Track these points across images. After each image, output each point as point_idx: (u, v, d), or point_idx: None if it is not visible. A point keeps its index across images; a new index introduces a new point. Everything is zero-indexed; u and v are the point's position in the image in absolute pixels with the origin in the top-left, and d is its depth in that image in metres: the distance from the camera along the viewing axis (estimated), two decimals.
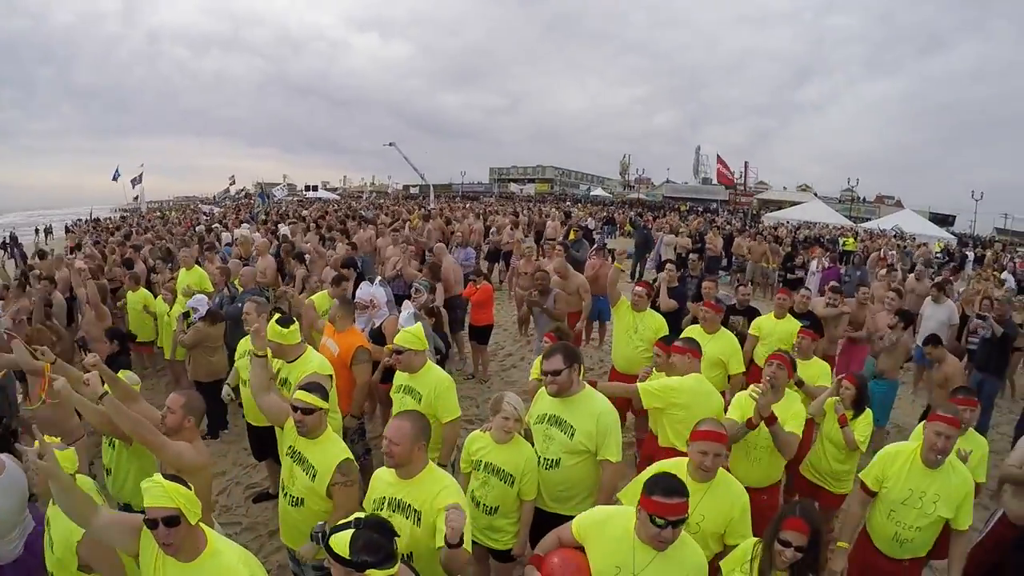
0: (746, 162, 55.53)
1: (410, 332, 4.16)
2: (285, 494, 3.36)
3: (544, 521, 3.40)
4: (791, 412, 3.92)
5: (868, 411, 4.34)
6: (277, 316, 4.25)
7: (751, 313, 6.71)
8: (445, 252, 9.26)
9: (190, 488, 2.36)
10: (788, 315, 6.11)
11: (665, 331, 5.52)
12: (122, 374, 4.05)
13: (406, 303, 6.02)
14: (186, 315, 6.43)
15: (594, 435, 3.44)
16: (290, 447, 3.35)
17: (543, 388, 3.67)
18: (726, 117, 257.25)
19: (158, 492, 2.28)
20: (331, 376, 4.27)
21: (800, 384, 4.61)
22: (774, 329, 6.00)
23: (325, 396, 3.30)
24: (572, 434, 3.46)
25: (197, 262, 8.70)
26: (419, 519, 2.85)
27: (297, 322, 4.35)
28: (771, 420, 3.67)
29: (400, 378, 4.25)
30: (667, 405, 4.09)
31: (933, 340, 6.08)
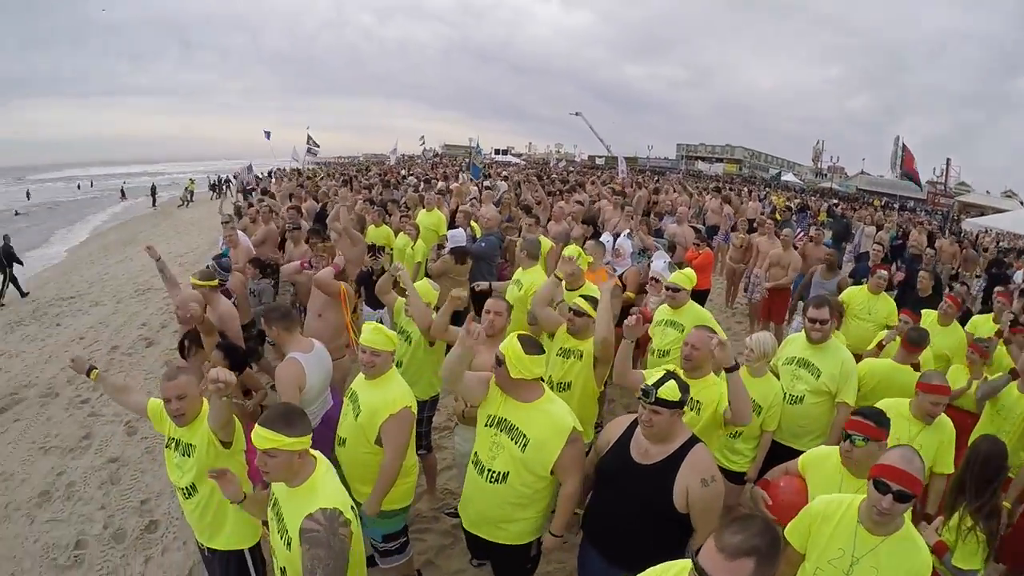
0: (948, 159, 49.51)
1: (683, 274, 4.78)
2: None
3: (777, 453, 3.93)
4: None
5: None
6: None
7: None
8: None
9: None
10: (955, 323, 5.59)
11: (895, 317, 5.58)
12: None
13: (659, 252, 6.38)
14: (440, 246, 6.97)
15: (837, 378, 4.00)
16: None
17: (800, 333, 4.35)
18: (927, 106, 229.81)
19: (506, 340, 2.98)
20: None
21: None
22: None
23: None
24: (818, 375, 4.04)
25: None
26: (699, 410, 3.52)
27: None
28: None
29: (663, 313, 4.81)
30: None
31: None
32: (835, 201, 35.67)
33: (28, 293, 14.03)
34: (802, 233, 11.72)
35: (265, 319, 4.03)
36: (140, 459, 5.78)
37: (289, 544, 2.31)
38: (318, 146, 28.92)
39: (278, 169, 30.06)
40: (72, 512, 5.07)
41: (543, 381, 3.12)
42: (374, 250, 6.17)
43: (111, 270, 16.41)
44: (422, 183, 15.95)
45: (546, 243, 6.61)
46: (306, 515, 2.24)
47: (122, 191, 45.13)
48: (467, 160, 23.95)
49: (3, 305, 13.41)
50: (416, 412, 3.52)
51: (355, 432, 3.35)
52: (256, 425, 2.29)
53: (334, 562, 2.18)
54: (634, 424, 2.86)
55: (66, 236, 27.73)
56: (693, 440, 2.76)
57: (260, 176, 24.77)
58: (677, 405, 2.64)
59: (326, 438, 3.68)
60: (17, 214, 35.47)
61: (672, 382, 2.64)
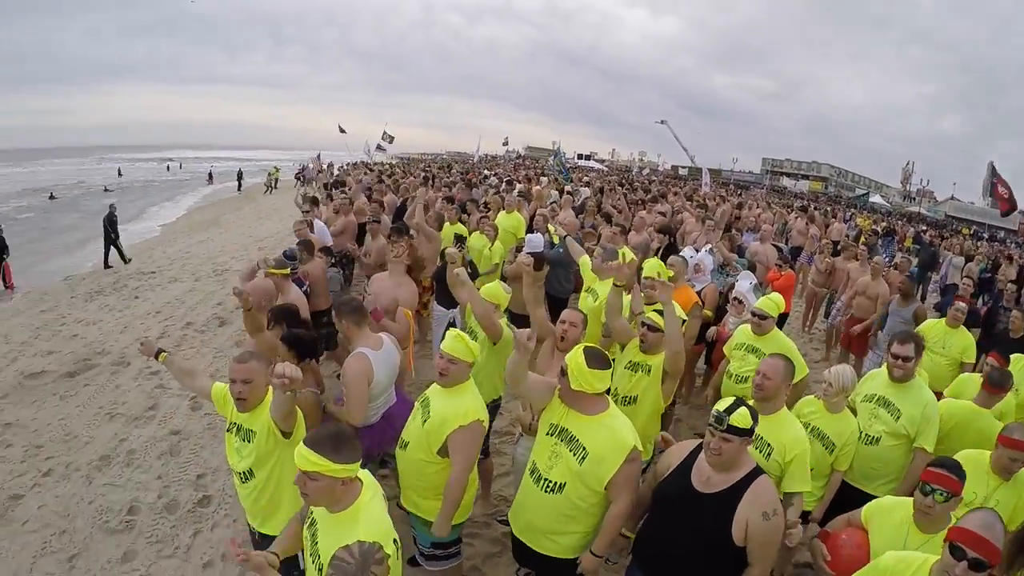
0: None
1: (772, 300, 4.65)
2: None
3: (846, 495, 3.72)
4: None
5: None
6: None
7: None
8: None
9: None
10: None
11: (972, 354, 5.43)
12: None
13: (745, 272, 6.15)
14: (518, 249, 6.92)
15: (918, 421, 3.71)
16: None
17: (882, 368, 4.08)
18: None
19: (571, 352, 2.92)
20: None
21: None
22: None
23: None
24: (898, 417, 3.76)
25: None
26: (769, 454, 3.26)
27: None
28: None
29: (745, 336, 4.70)
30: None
31: None
32: (923, 227, 34.25)
33: (131, 259, 15.10)
34: (887, 259, 11.15)
35: (336, 312, 3.98)
36: (201, 434, 5.86)
37: (320, 569, 2.17)
38: (390, 142, 29.59)
39: (351, 164, 30.73)
40: (129, 479, 5.18)
41: (608, 394, 3.02)
42: (461, 240, 6.30)
43: (192, 249, 16.96)
44: (503, 184, 15.95)
45: (628, 254, 6.43)
46: (341, 546, 2.10)
47: (210, 174, 46.94)
48: (552, 163, 23.82)
49: (111, 267, 14.58)
50: (487, 426, 3.42)
51: (419, 438, 3.26)
52: (301, 444, 2.17)
53: None
54: (697, 449, 2.79)
55: (159, 213, 29.25)
56: (757, 471, 2.67)
57: (324, 169, 25.10)
58: (747, 433, 2.57)
59: (385, 434, 3.78)
60: (106, 190, 37.36)
61: (744, 409, 2.57)
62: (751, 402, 3.10)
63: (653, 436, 3.91)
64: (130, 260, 14.89)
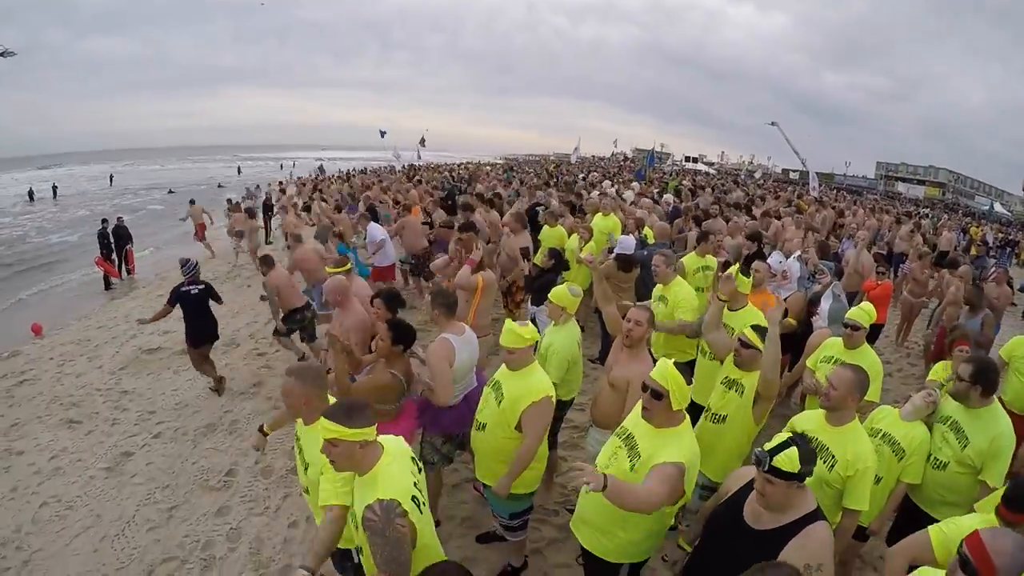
0: None
1: (863, 310, 4.37)
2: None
3: (913, 516, 3.57)
4: None
5: None
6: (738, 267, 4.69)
7: None
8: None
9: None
10: None
11: None
12: None
13: (826, 294, 5.90)
14: (611, 250, 6.88)
15: (984, 453, 3.43)
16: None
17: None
18: None
19: (662, 369, 2.85)
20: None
21: None
22: None
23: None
24: (965, 445, 3.48)
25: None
26: (832, 466, 3.14)
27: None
28: None
29: (833, 349, 4.48)
30: None
31: None
32: None
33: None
34: (996, 271, 10.39)
35: (432, 300, 4.34)
36: None
37: (357, 527, 2.48)
38: (423, 146, 31.43)
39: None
40: (230, 446, 5.74)
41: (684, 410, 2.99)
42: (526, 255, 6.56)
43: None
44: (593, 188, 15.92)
45: (691, 264, 6.44)
46: (366, 505, 2.37)
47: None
48: (643, 166, 23.66)
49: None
50: (555, 400, 3.62)
51: (496, 418, 3.52)
52: (321, 416, 2.47)
53: (391, 550, 2.32)
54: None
55: None
56: (813, 516, 2.43)
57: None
58: (795, 477, 2.34)
59: (464, 417, 4.05)
60: (220, 186, 39.64)
61: (793, 450, 2.34)
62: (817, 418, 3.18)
63: (741, 455, 3.88)
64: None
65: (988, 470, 3.41)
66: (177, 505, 4.95)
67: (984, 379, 3.48)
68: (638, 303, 5.25)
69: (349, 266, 5.76)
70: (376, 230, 9.19)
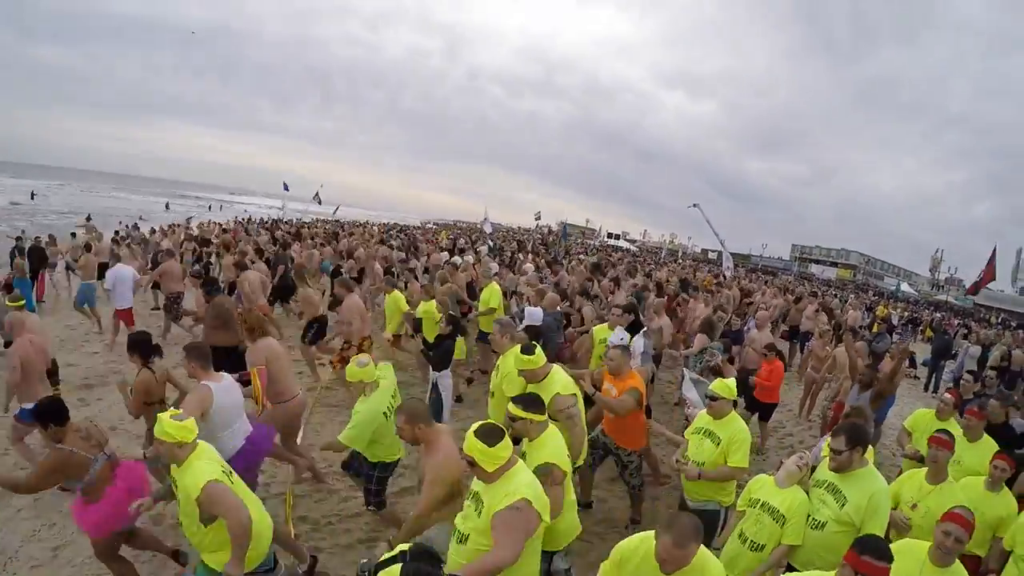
0: None
1: (724, 383, 4.56)
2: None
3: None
4: None
5: None
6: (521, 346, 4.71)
7: None
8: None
9: None
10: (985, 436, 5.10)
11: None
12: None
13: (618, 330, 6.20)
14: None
15: (863, 509, 3.56)
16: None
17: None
18: None
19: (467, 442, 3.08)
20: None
21: None
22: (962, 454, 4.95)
23: None
24: (843, 504, 3.60)
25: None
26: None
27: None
28: None
29: (702, 420, 4.65)
30: None
31: None
32: (940, 315, 34.18)
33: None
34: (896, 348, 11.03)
35: (187, 355, 4.58)
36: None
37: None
38: (319, 203, 37.32)
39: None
40: None
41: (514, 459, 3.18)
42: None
43: None
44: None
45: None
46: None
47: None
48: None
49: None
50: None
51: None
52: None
53: None
54: None
55: None
56: None
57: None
58: None
59: (250, 460, 4.61)
60: (141, 219, 38.38)
61: (391, 568, 2.29)
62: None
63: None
64: None
65: (868, 526, 3.52)
66: (63, 545, 4.74)
67: (858, 438, 3.66)
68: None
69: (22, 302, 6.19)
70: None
